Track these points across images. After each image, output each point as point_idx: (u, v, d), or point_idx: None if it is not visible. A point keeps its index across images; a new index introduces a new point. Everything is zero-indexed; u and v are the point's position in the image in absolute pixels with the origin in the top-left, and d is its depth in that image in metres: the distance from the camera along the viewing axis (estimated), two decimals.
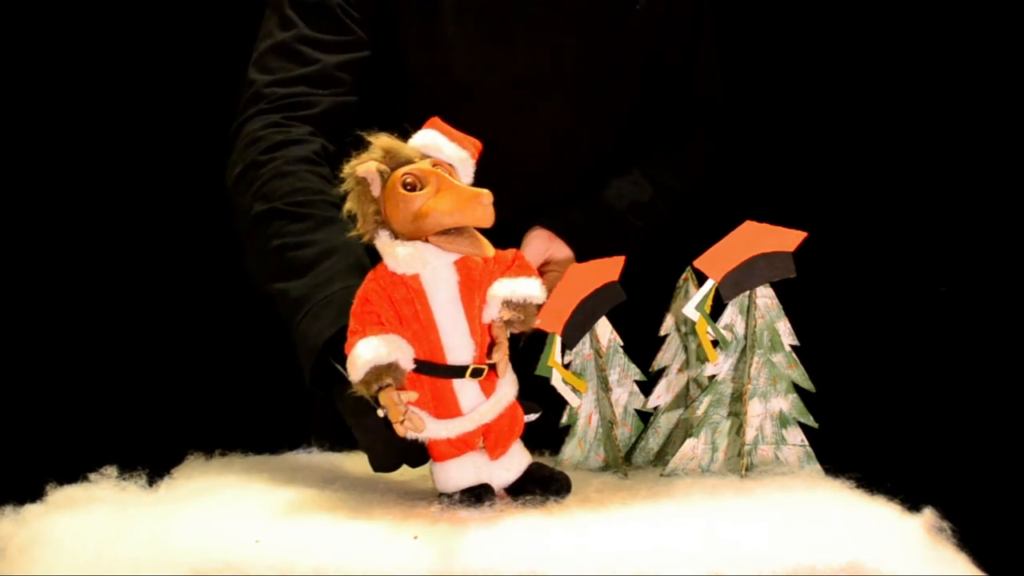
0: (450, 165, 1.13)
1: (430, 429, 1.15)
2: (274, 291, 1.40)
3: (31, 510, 1.19)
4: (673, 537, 1.04)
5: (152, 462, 1.33)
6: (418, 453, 1.19)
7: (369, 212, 1.12)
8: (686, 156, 1.75)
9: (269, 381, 2.19)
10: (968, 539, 1.14)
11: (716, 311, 1.33)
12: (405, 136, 1.15)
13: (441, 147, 1.14)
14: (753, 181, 2.03)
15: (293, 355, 1.34)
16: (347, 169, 1.12)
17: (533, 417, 1.23)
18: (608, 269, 1.37)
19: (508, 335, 1.16)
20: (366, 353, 1.10)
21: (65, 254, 2.19)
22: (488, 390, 1.16)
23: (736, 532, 1.05)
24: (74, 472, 1.27)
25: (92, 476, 1.26)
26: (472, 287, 1.14)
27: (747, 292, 1.33)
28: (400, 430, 1.11)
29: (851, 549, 1.03)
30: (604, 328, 1.40)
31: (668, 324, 1.43)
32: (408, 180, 1.10)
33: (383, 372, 1.10)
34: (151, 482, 1.29)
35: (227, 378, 2.20)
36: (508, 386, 1.18)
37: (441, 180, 1.10)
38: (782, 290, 1.34)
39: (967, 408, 2.04)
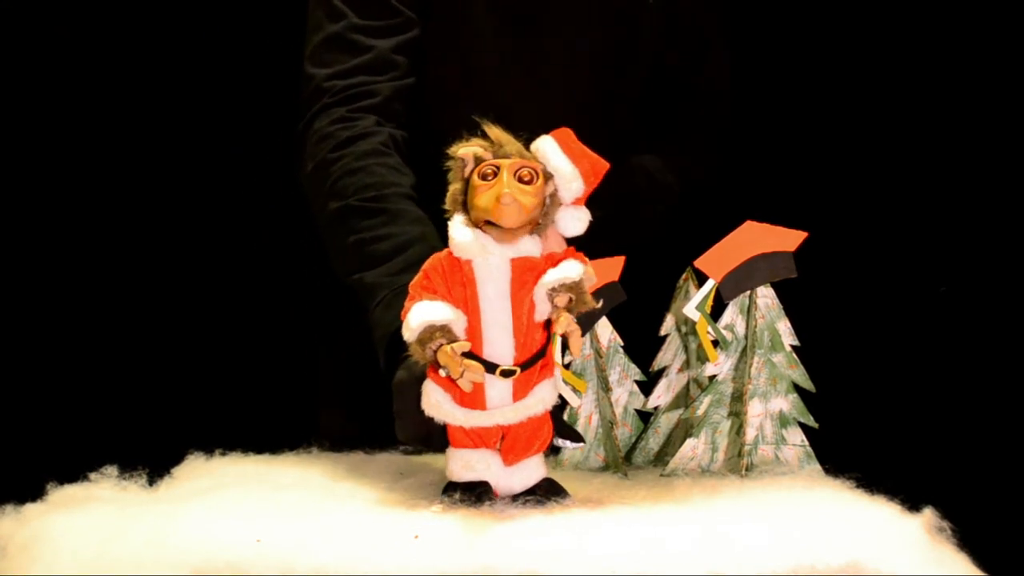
0: (549, 173, 1.15)
1: (449, 412, 1.16)
2: (352, 282, 1.45)
3: (32, 509, 1.19)
4: (673, 537, 1.04)
5: (152, 462, 1.33)
6: (440, 437, 1.20)
7: (456, 190, 1.16)
8: (687, 155, 1.75)
9: (269, 381, 2.19)
10: (968, 539, 1.14)
11: (716, 311, 1.33)
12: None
13: (548, 155, 1.16)
14: (753, 181, 2.03)
15: (293, 356, 1.34)
16: (452, 149, 1.16)
17: (568, 445, 1.24)
18: (608, 269, 1.37)
19: (569, 318, 1.14)
20: (420, 313, 1.13)
21: (66, 254, 2.19)
22: (518, 394, 1.16)
23: (736, 532, 1.05)
24: (74, 472, 1.27)
25: (92, 476, 1.26)
26: (524, 288, 1.15)
27: (747, 292, 1.33)
28: (463, 385, 1.13)
29: (851, 549, 1.03)
30: (604, 328, 1.40)
31: (668, 324, 1.43)
32: (485, 171, 1.13)
33: (436, 331, 1.13)
34: (151, 482, 1.29)
35: (227, 378, 2.20)
36: (541, 398, 1.17)
37: (501, 178, 1.12)
38: (782, 290, 1.34)
39: (967, 408, 2.04)
